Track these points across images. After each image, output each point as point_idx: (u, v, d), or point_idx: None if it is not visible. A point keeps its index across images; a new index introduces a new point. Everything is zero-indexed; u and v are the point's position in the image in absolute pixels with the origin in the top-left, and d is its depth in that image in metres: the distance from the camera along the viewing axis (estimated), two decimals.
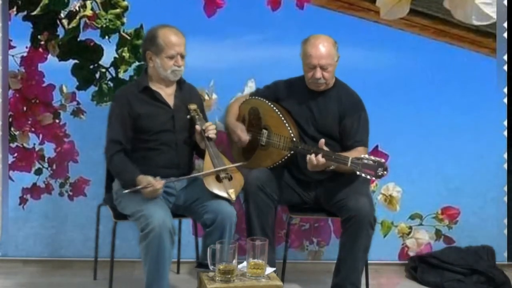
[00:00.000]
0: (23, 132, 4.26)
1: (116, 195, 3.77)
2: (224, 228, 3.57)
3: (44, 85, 4.24)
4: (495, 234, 4.41)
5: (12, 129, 4.25)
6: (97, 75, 4.25)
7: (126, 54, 4.23)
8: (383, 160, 3.56)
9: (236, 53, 4.27)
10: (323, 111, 3.91)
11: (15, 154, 4.26)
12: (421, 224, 4.41)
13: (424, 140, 4.36)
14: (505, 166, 4.38)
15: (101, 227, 4.05)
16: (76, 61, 4.23)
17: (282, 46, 4.27)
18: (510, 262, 4.44)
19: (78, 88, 4.25)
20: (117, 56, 4.24)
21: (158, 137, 3.74)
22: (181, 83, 3.86)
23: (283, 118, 3.89)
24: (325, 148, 3.69)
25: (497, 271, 4.20)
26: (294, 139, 3.84)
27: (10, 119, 4.24)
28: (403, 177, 4.37)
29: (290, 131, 3.86)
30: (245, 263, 3.33)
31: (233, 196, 3.63)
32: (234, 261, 3.27)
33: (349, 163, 3.59)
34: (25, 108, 4.26)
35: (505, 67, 4.35)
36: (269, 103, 3.98)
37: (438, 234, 4.41)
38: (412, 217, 4.40)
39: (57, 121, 4.27)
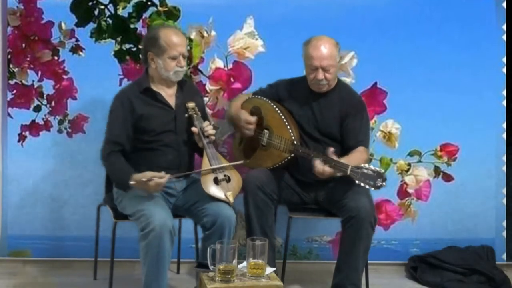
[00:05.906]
0: (22, 69, 4.25)
1: (117, 194, 3.74)
2: (223, 231, 3.55)
3: (43, 22, 4.22)
4: (493, 171, 4.42)
5: (11, 66, 4.23)
6: (96, 12, 4.23)
7: None
8: (382, 171, 3.57)
9: None
10: (325, 112, 3.89)
11: (14, 91, 4.25)
12: (420, 161, 4.40)
13: (423, 76, 4.34)
14: (504, 103, 4.38)
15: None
16: None
17: None
18: (510, 262, 4.44)
19: (77, 25, 4.23)
20: None
21: (159, 138, 3.71)
22: (182, 83, 3.81)
23: (284, 120, 3.87)
24: (334, 157, 3.64)
25: (497, 271, 4.20)
26: (295, 141, 3.82)
27: (9, 56, 4.23)
28: (402, 114, 4.35)
29: (291, 133, 3.83)
30: (245, 263, 3.31)
31: (231, 199, 3.61)
32: (234, 261, 3.24)
33: (348, 171, 3.56)
34: (24, 45, 4.24)
35: (504, 4, 4.33)
36: (271, 103, 3.95)
37: (437, 171, 4.41)
38: (411, 154, 4.39)
39: (56, 58, 4.25)
